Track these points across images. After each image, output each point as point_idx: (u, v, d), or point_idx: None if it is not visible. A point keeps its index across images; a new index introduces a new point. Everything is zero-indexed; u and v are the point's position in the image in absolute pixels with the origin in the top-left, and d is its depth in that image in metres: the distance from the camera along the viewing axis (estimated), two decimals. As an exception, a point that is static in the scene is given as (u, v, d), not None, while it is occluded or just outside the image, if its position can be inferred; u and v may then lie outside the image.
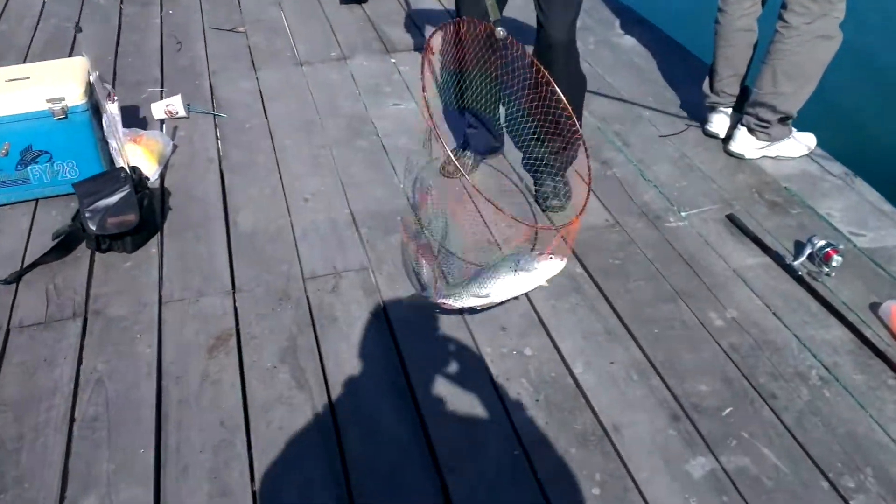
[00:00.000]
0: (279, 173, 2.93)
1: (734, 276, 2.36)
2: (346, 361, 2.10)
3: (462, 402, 1.98)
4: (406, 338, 2.16)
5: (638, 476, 1.78)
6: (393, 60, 3.79)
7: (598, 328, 2.19)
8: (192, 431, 1.92)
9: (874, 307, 2.21)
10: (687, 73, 3.57)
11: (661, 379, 2.03)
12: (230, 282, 2.40)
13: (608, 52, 3.84)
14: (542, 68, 2.15)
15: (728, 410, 1.94)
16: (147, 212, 2.55)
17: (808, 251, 2.34)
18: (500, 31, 2.16)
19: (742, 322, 2.19)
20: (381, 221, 2.64)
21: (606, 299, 2.28)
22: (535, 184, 2.71)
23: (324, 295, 2.33)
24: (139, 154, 2.85)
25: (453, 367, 2.08)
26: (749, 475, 1.78)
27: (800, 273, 2.32)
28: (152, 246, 2.55)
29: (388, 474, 1.80)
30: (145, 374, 2.08)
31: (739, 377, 2.02)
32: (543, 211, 2.64)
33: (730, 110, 2.98)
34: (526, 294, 2.28)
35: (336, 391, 2.02)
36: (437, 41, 2.23)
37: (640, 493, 1.75)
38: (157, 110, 3.27)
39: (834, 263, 2.29)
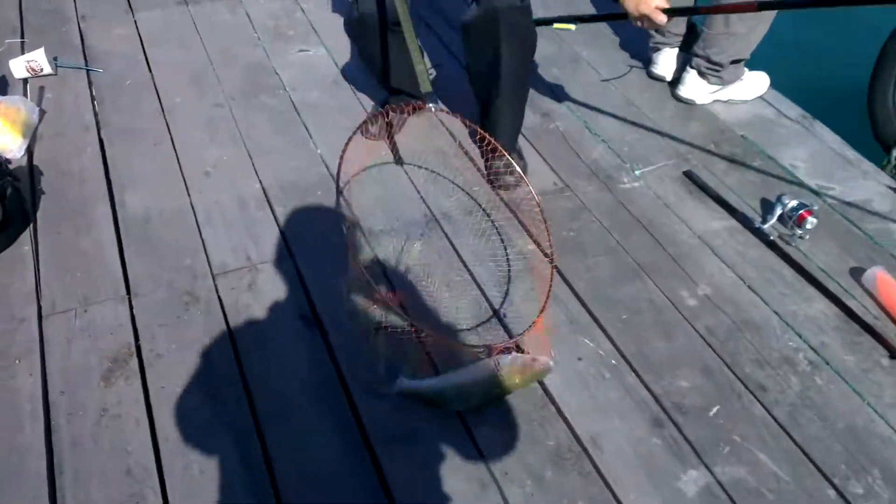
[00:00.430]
0: (171, 141, 2.50)
1: (700, 244, 2.13)
2: (272, 377, 1.78)
3: (411, 419, 1.69)
4: (342, 342, 1.85)
5: (625, 500, 1.56)
6: (293, -4, 3.33)
7: (559, 317, 1.93)
8: (93, 485, 1.57)
9: (855, 273, 2.03)
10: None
11: (637, 375, 1.79)
12: (123, 283, 2.00)
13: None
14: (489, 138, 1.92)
15: (715, 410, 1.73)
16: (12, 202, 2.10)
17: (778, 212, 2.13)
18: (432, 107, 1.88)
19: (716, 299, 1.97)
20: (299, 197, 2.27)
21: (565, 280, 2.02)
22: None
23: (239, 294, 1.98)
24: (-4, 126, 2.37)
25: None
26: (747, 488, 1.58)
27: (771, 237, 2.11)
28: (24, 242, 2.11)
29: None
30: (29, 413, 1.70)
31: (721, 367, 1.81)
32: (496, 189, 2.31)
33: (676, 50, 2.71)
34: (477, 284, 2.00)
35: (265, 418, 1.69)
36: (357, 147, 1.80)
37: (630, 524, 1.53)
38: (18, 68, 2.73)
39: (808, 226, 2.09)
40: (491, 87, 2.14)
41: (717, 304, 1.96)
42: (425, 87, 1.91)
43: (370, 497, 1.56)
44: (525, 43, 2.13)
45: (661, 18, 1.88)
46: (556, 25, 2.20)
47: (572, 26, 2.18)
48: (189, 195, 2.28)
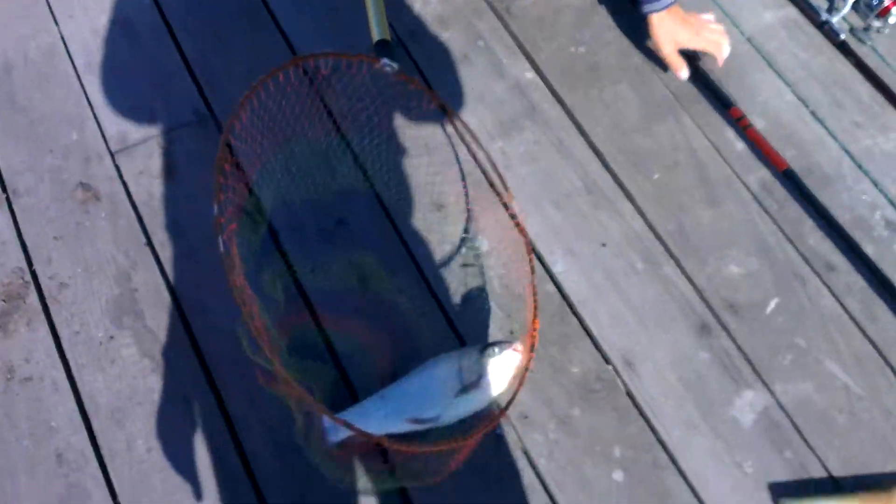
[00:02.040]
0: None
1: (751, 52, 1.63)
2: (215, 309, 1.39)
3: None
4: (295, 246, 1.43)
5: (669, 439, 1.29)
6: None
7: (571, 182, 1.49)
8: (18, 480, 1.26)
9: (946, 85, 1.58)
10: None
11: (677, 263, 1.42)
12: (-5, 176, 1.51)
13: None
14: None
15: (773, 304, 1.39)
16: None
17: (852, -1, 1.60)
18: (388, 66, 1.26)
19: (773, 137, 1.53)
20: (214, 14, 1.67)
21: (577, 126, 1.55)
22: None
23: (152, 182, 1.50)
24: None
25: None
26: (814, 410, 1.31)
27: (841, 36, 1.61)
28: None
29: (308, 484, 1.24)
30: None
31: (781, 240, 1.44)
32: None
33: None
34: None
35: (217, 367, 1.34)
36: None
37: (679, 470, 1.27)
38: None
39: (892, 20, 1.58)
40: None
41: (775, 144, 1.52)
42: (383, 32, 1.28)
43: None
44: None
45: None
46: None
47: None
48: (57, 24, 1.67)
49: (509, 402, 1.15)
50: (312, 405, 1.05)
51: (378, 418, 1.22)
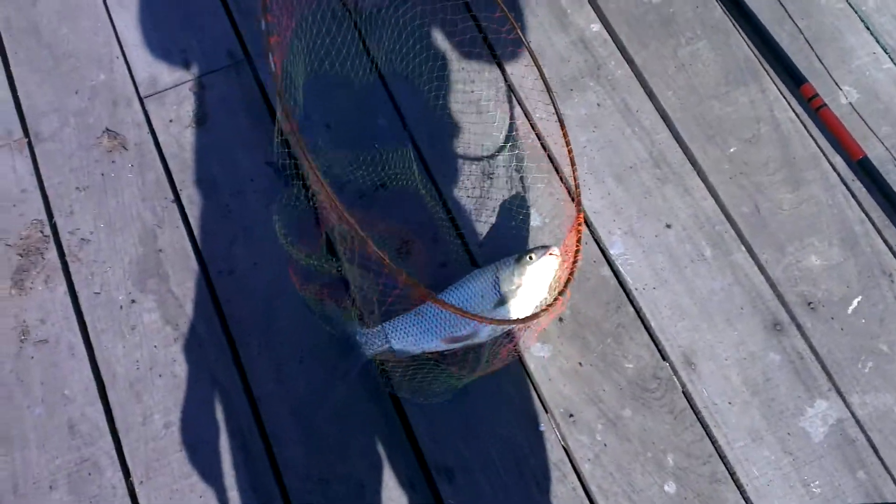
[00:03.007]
0: None
1: (846, 11, 1.44)
2: (245, 276, 1.29)
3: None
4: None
5: (730, 452, 1.17)
6: None
7: (637, 152, 1.35)
8: (29, 451, 1.20)
9: None
10: None
11: (749, 251, 1.28)
12: (17, 117, 1.41)
13: None
14: None
15: (855, 302, 1.25)
16: None
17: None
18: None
19: (863, 108, 1.36)
20: (248, -52, 1.53)
21: (647, 93, 1.39)
22: None
23: (182, 131, 1.39)
24: None
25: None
26: (893, 427, 1.18)
27: (958, -4, 1.41)
28: None
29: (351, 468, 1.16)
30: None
31: (869, 232, 1.29)
32: None
33: None
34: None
35: (244, 338, 1.25)
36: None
37: (739, 486, 1.15)
38: None
39: None
40: None
41: (864, 116, 1.35)
42: None
43: (387, 428, 1.19)
44: None
45: None
46: None
47: None
48: (86, -48, 1.54)
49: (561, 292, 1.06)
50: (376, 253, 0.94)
51: (414, 335, 1.15)
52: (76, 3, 1.49)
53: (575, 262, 1.12)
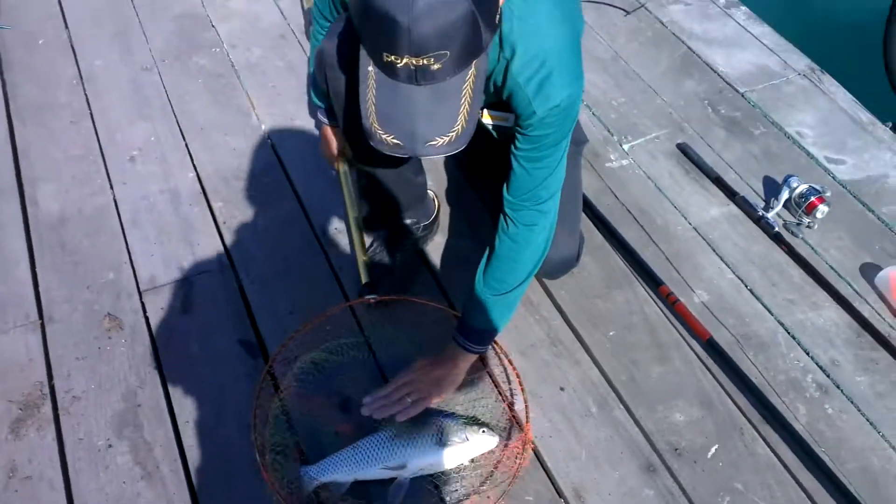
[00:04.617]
0: (91, 117, 2.17)
1: (697, 238, 1.88)
2: (210, 423, 1.54)
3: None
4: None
5: (615, 570, 1.37)
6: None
7: (538, 336, 1.69)
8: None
9: (867, 271, 1.79)
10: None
11: (627, 409, 1.57)
12: (35, 305, 1.73)
13: None
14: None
15: (713, 450, 1.52)
16: None
17: (784, 197, 1.87)
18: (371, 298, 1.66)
19: (715, 309, 1.73)
20: (242, 189, 1.98)
21: (545, 289, 1.77)
22: None
23: (171, 316, 1.72)
24: None
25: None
26: (749, 551, 1.39)
27: (776, 228, 1.86)
28: (-85, 255, 1.83)
29: None
30: (-79, 473, 1.47)
31: (721, 395, 1.59)
32: None
33: None
34: (442, 298, 1.74)
35: (204, 480, 1.47)
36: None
37: None
38: None
39: (819, 215, 1.84)
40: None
41: (716, 314, 1.72)
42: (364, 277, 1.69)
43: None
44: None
45: None
46: None
47: None
48: (112, 188, 1.98)
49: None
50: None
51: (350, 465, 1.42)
52: (99, 224, 1.90)
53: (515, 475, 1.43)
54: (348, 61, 1.36)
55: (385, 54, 1.02)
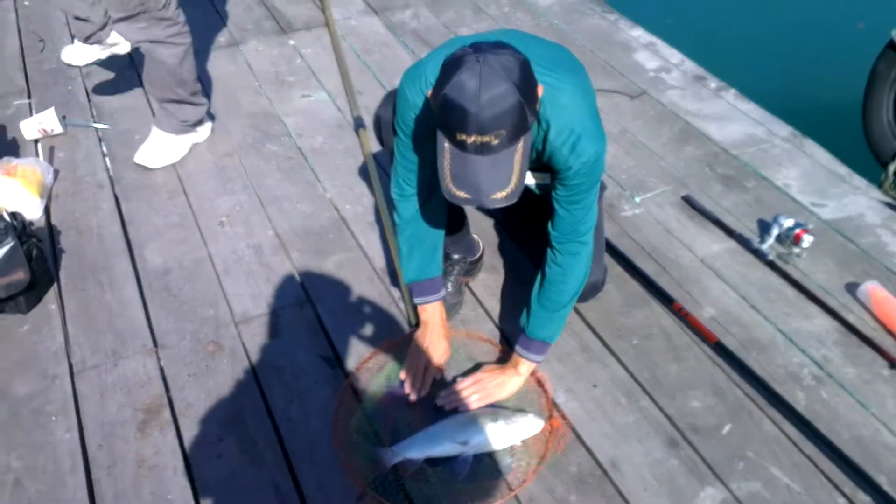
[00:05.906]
0: (184, 193, 2.58)
1: (703, 267, 2.21)
2: (300, 418, 1.85)
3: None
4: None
5: (649, 521, 1.63)
6: (292, 42, 3.42)
7: (572, 346, 2.00)
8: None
9: (851, 288, 2.11)
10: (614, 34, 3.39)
11: (651, 398, 1.87)
12: (150, 337, 2.08)
13: (524, 15, 3.59)
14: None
15: (727, 428, 1.80)
16: (38, 263, 2.17)
17: (775, 232, 2.22)
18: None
19: (722, 320, 2.05)
20: (313, 242, 2.35)
21: (576, 311, 2.09)
22: None
23: (263, 340, 2.05)
24: (17, 189, 2.44)
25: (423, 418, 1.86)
26: (762, 501, 1.65)
27: (770, 257, 2.20)
28: (50, 302, 2.19)
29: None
30: (70, 468, 1.77)
31: (731, 386, 1.89)
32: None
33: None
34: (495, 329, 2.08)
35: (296, 457, 1.76)
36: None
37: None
38: (29, 129, 2.81)
39: (805, 244, 2.17)
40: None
41: (723, 324, 2.03)
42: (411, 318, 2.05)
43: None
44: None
45: None
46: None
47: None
48: (206, 246, 2.36)
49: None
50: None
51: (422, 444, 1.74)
52: (197, 272, 2.27)
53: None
54: None
55: (458, 133, 1.39)
